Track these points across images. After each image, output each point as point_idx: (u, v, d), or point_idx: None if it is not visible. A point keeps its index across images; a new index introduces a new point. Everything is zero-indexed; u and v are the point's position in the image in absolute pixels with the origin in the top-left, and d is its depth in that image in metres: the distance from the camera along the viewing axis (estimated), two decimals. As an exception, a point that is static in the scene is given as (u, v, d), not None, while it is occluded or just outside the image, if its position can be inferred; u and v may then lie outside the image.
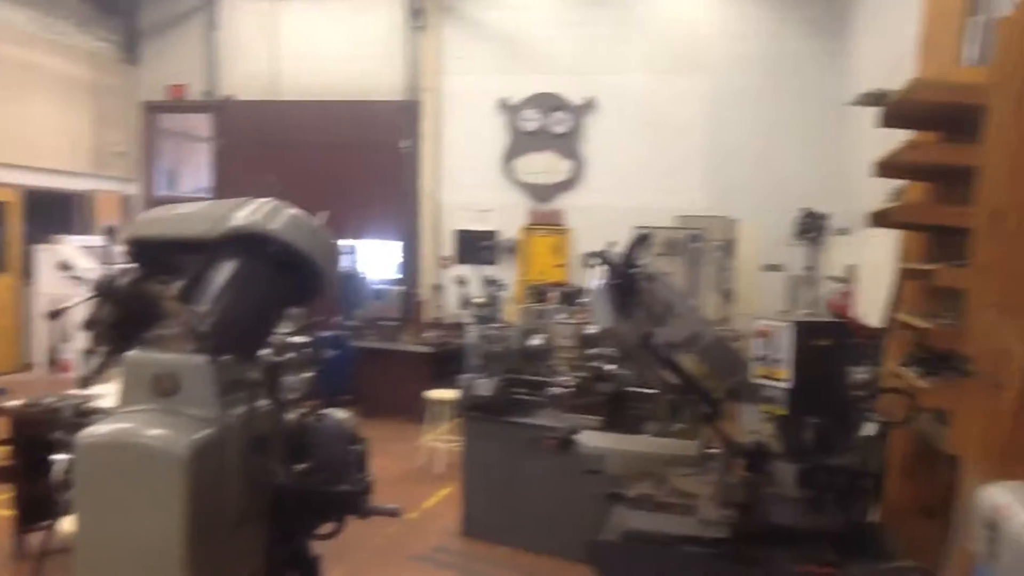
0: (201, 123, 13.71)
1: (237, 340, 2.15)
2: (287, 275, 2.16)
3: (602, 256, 3.25)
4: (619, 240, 4.68)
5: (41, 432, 3.06)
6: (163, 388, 2.18)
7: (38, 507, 4.72)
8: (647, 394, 5.03)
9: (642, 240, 3.39)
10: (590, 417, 5.10)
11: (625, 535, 3.15)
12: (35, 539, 5.09)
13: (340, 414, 2.49)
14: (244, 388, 2.19)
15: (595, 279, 3.28)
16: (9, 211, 11.45)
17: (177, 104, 13.38)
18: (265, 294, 2.16)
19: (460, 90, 12.28)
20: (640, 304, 3.21)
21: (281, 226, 2.11)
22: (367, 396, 9.12)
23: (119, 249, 2.54)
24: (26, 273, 11.30)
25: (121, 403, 2.22)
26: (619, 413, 5.16)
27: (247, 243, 2.12)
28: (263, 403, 2.25)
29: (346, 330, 9.81)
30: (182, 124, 14.42)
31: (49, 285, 10.29)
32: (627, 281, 3.19)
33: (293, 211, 2.16)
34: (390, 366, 9.34)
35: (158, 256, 2.42)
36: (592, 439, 3.87)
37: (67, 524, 2.32)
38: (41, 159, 11.66)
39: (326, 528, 2.48)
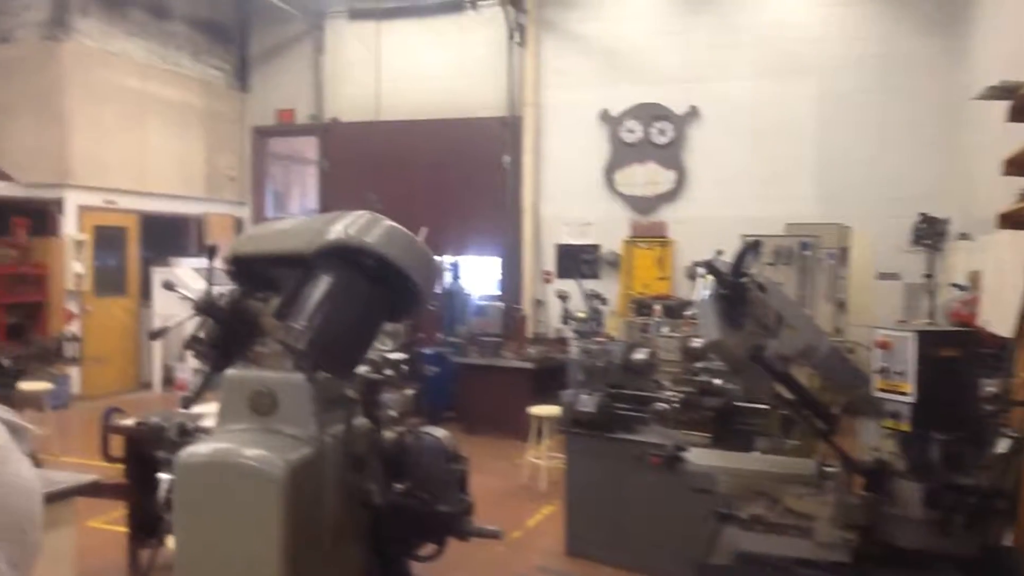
0: (308, 146, 14.07)
1: (334, 357, 2.12)
2: (384, 290, 2.12)
3: (710, 266, 3.11)
4: (726, 249, 4.52)
5: (151, 451, 3.10)
6: (261, 406, 2.16)
7: (150, 524, 4.83)
8: (757, 409, 4.83)
9: (752, 248, 3.23)
10: (697, 434, 4.93)
11: (737, 558, 3.00)
12: (148, 556, 5.22)
13: (439, 432, 2.43)
14: (341, 406, 2.16)
15: (702, 290, 3.15)
16: (128, 236, 11.95)
17: (285, 128, 13.76)
18: (361, 309, 2.13)
19: (561, 103, 12.24)
20: (750, 315, 3.05)
21: (376, 239, 2.07)
22: (469, 413, 9.11)
23: (220, 269, 2.54)
24: (143, 295, 11.75)
25: (221, 421, 2.22)
26: (727, 429, 4.97)
27: (343, 257, 2.09)
28: (361, 421, 2.21)
29: (448, 346, 9.84)
30: (290, 147, 14.85)
31: (164, 306, 10.67)
32: (736, 291, 3.04)
33: (389, 223, 2.12)
34: (492, 382, 9.31)
35: (257, 273, 2.42)
36: (701, 457, 3.71)
37: (172, 541, 2.31)
38: (157, 185, 12.14)
39: (427, 549, 2.42)
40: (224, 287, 2.56)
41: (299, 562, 2.07)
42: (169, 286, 2.80)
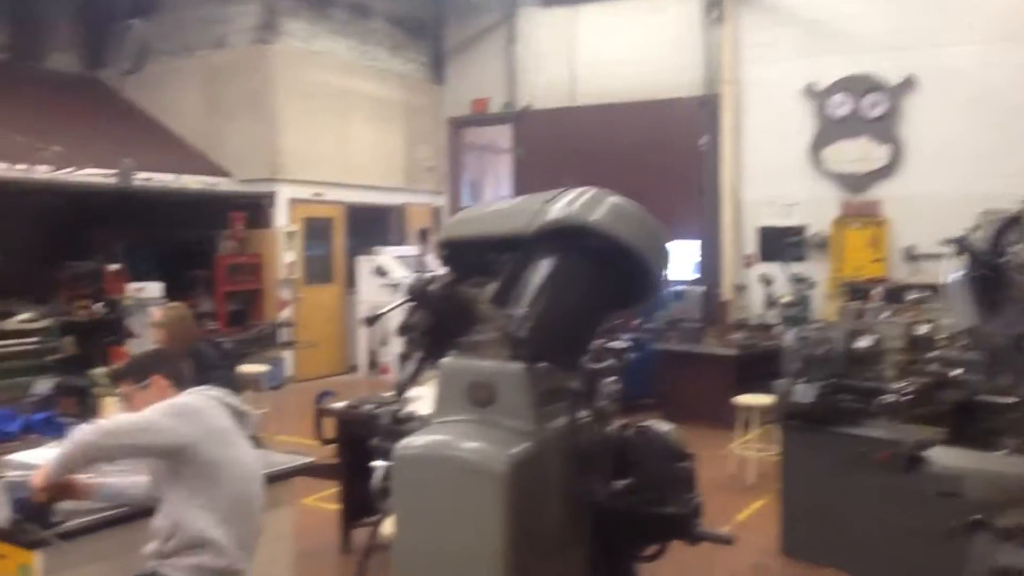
0: (502, 134, 14.16)
1: (556, 346, 1.97)
2: (611, 273, 1.94)
3: (962, 243, 2.75)
4: (956, 229, 4.06)
5: (363, 434, 3.09)
6: (479, 397, 2.04)
7: (362, 504, 4.92)
8: (1004, 404, 4.32)
9: (1010, 224, 2.84)
10: (930, 429, 4.48)
11: (995, 573, 2.64)
12: (360, 535, 5.34)
13: (664, 426, 2.24)
14: (564, 398, 2.01)
15: (952, 270, 2.79)
16: (334, 226, 12.46)
17: (479, 118, 13.91)
18: (587, 294, 1.96)
19: (761, 80, 11.67)
20: (1011, 299, 2.67)
21: (602, 216, 1.89)
22: (668, 401, 8.84)
23: (431, 252, 2.44)
24: (349, 283, 12.22)
25: (437, 412, 2.12)
26: (968, 426, 4.48)
27: (566, 238, 1.93)
28: (584, 415, 2.06)
29: (646, 332, 9.60)
30: (484, 137, 15.00)
31: (369, 293, 11.05)
32: (994, 272, 2.66)
33: (616, 199, 1.94)
34: (693, 370, 9.00)
35: (471, 258, 2.31)
36: (946, 457, 3.33)
37: (387, 527, 2.25)
38: (361, 177, 12.57)
39: (648, 550, 2.25)
40: (436, 272, 2.46)
41: (522, 562, 1.94)
42: (381, 271, 2.74)
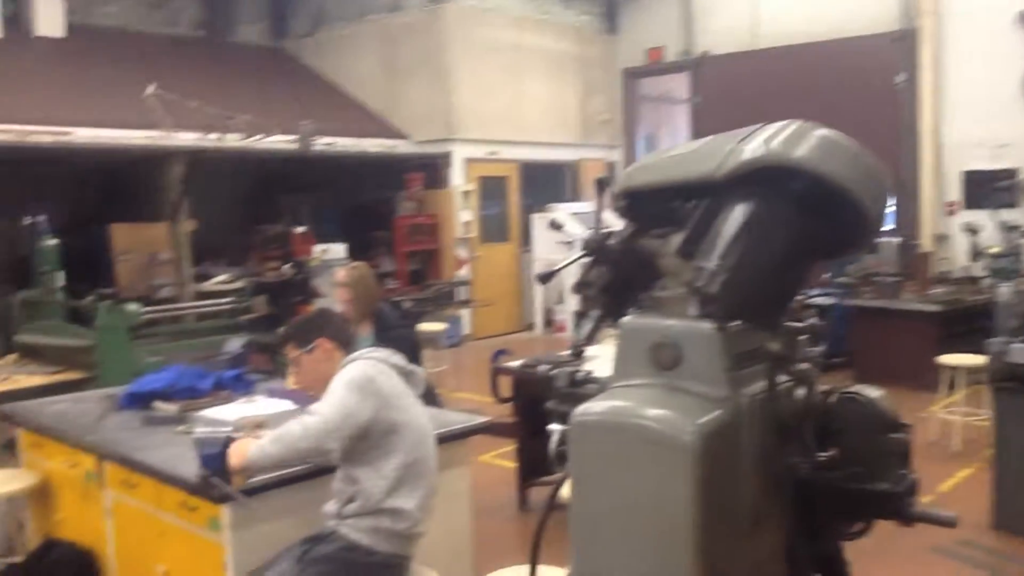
0: (679, 84, 13.67)
1: (751, 303, 1.74)
2: (817, 218, 1.69)
3: None
4: None
5: (538, 393, 2.98)
6: (663, 360, 1.85)
7: (539, 463, 4.84)
8: None
9: None
10: None
11: None
12: (537, 493, 5.29)
13: (873, 392, 1.97)
14: (760, 361, 1.78)
15: None
16: (509, 185, 12.45)
17: (655, 67, 13.47)
18: (788, 243, 1.72)
19: (966, 8, 10.62)
20: None
21: (808, 152, 1.64)
22: (862, 360, 8.30)
23: (608, 204, 2.25)
24: (525, 241, 12.20)
25: (616, 375, 1.95)
26: None
27: (764, 180, 1.68)
28: (783, 380, 1.83)
29: (836, 287, 9.03)
30: (660, 87, 14.54)
31: (544, 250, 10.98)
32: None
33: (824, 131, 1.67)
34: (889, 327, 8.38)
35: (653, 208, 2.11)
36: None
37: (566, 491, 2.10)
38: (535, 134, 12.47)
39: (854, 527, 2.00)
40: (615, 226, 2.27)
41: (713, 542, 1.75)
42: (556, 225, 2.57)
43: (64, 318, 6.24)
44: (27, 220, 8.35)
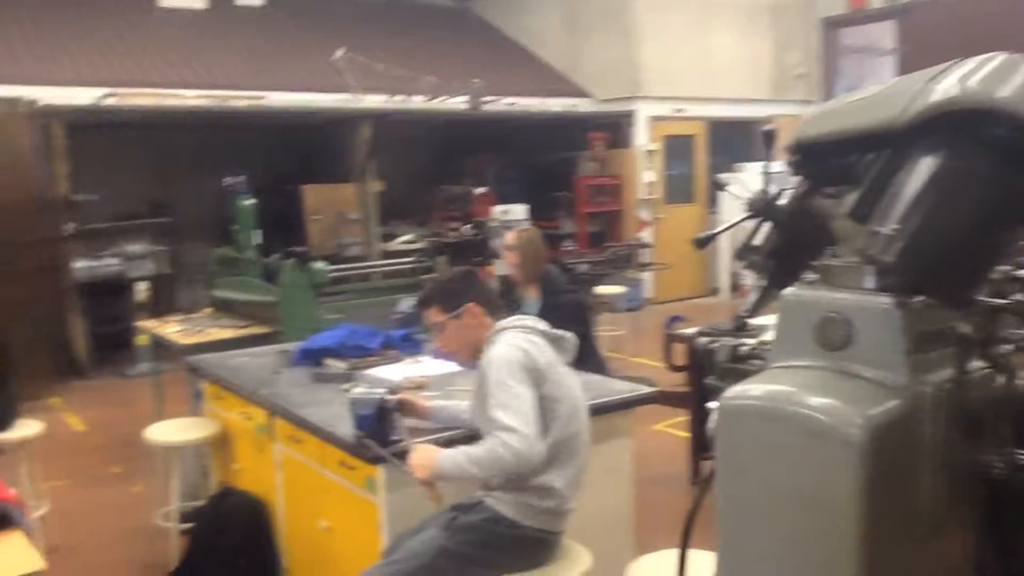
0: (885, 33, 12.67)
1: (939, 274, 1.47)
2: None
3: None
4: None
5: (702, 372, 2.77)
6: (831, 338, 1.62)
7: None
8: None
9: None
10: None
11: None
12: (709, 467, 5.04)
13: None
14: (948, 344, 1.52)
15: None
16: (695, 144, 12.00)
17: (858, 15, 12.55)
18: (986, 204, 1.43)
19: None
20: None
21: (1015, 93, 1.35)
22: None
23: (779, 159, 2.00)
24: (711, 202, 11.75)
25: (776, 354, 1.73)
26: None
27: (957, 127, 1.41)
28: (976, 366, 1.55)
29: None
30: (864, 37, 13.53)
31: (731, 213, 10.50)
32: None
33: (1033, 67, 1.37)
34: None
35: (829, 162, 1.85)
36: None
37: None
38: (723, 89, 11.93)
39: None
40: (781, 183, 2.03)
41: (881, 549, 1.51)
42: (719, 185, 2.34)
43: (256, 275, 6.52)
44: (227, 181, 8.82)
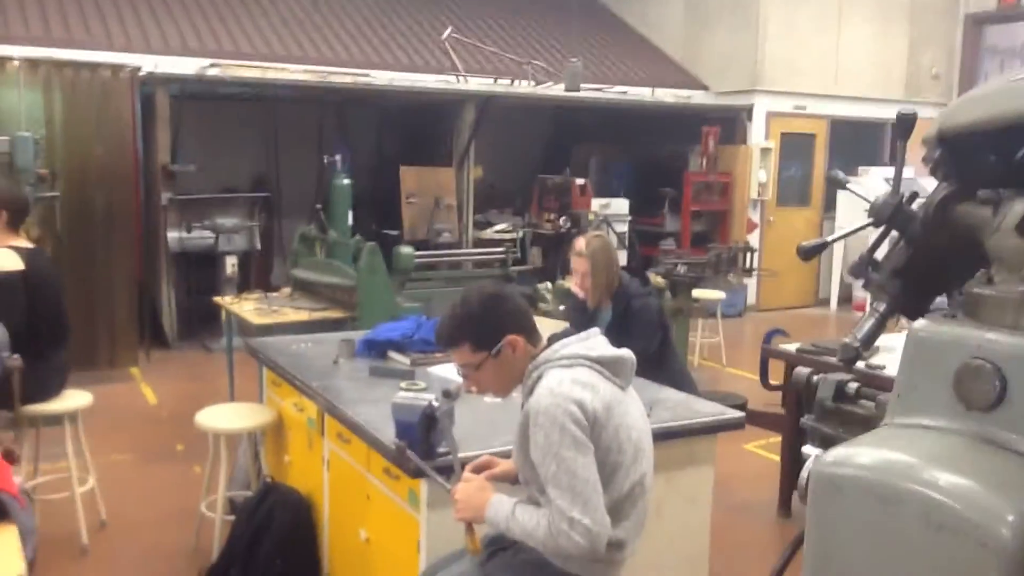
0: (1032, 34, 11.68)
1: None
2: None
3: None
4: None
5: (800, 403, 2.37)
6: (976, 394, 1.20)
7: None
8: None
9: None
10: None
11: None
12: (800, 507, 4.54)
13: None
14: None
15: None
16: (815, 143, 11.30)
17: (1009, 13, 11.57)
18: None
19: None
20: None
21: None
22: None
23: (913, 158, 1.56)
24: (828, 206, 11.06)
25: (898, 405, 1.31)
26: None
27: None
28: None
29: None
30: (1009, 38, 12.52)
31: (848, 218, 9.81)
32: None
33: None
34: None
35: (981, 159, 1.42)
36: None
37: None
38: (850, 87, 11.19)
39: None
40: (913, 187, 1.59)
41: None
42: (837, 182, 1.94)
43: (343, 257, 6.32)
44: (326, 159, 8.70)
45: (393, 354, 3.87)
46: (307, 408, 3.56)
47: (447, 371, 3.64)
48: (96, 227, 7.11)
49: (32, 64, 6.85)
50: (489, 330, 2.28)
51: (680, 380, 3.90)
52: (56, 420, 4.14)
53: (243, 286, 7.85)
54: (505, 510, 2.21)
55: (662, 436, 2.69)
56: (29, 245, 4.15)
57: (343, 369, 3.74)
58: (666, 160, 11.05)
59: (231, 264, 8.13)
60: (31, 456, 4.30)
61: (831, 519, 1.27)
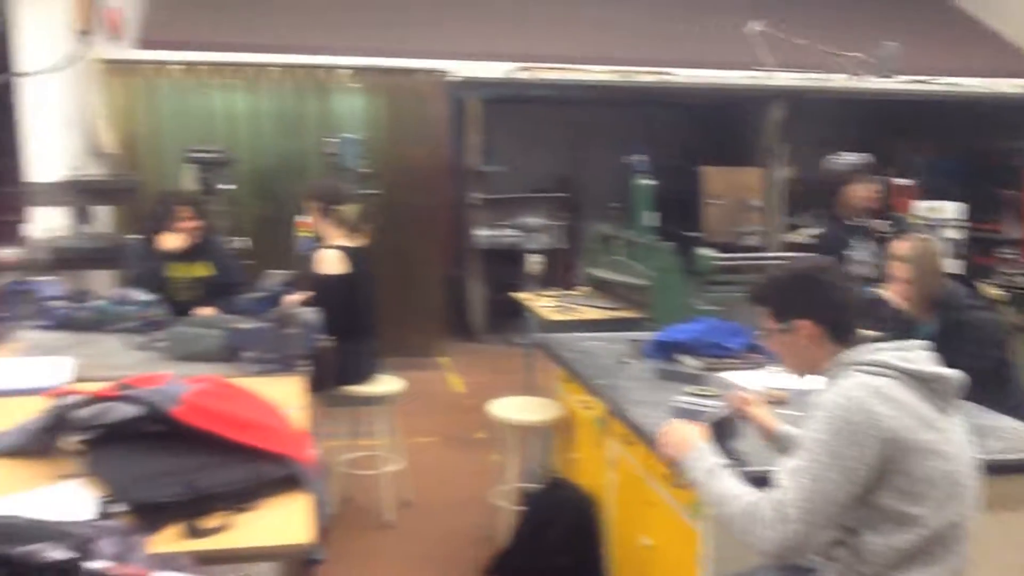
0: None
1: None
2: None
3: None
4: None
5: None
6: None
7: None
8: None
9: None
10: None
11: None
12: None
13: None
14: None
15: None
16: None
17: None
18: None
19: None
20: None
21: None
22: None
23: None
24: None
25: None
26: None
27: None
28: None
29: None
30: None
31: None
32: None
33: None
34: None
35: None
36: None
37: None
38: None
39: None
40: None
41: None
42: None
43: (641, 257, 6.26)
44: (627, 159, 8.67)
45: (682, 357, 3.74)
46: (595, 407, 3.53)
47: (739, 377, 3.46)
48: (411, 223, 7.60)
49: (358, 72, 7.47)
50: (787, 305, 2.19)
51: (1020, 407, 3.40)
52: (370, 401, 4.44)
53: (547, 283, 8.04)
54: (709, 463, 2.11)
55: (991, 470, 2.32)
56: (354, 244, 4.47)
57: (630, 369, 3.67)
58: (1004, 157, 9.85)
59: (534, 261, 8.35)
60: (348, 432, 4.66)
61: None
